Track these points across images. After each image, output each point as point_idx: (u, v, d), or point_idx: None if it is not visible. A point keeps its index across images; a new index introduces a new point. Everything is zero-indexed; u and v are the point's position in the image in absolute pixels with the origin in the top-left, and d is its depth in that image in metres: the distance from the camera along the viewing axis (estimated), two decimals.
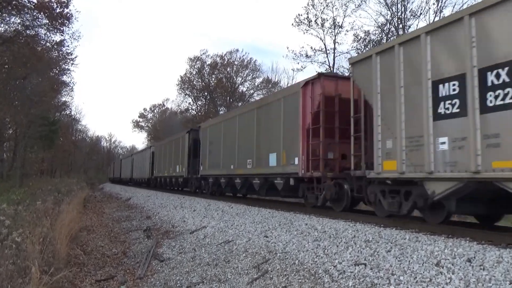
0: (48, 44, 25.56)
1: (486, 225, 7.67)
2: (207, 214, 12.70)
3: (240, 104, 43.66)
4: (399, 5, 26.27)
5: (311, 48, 33.53)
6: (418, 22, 25.97)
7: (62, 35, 24.23)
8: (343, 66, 30.22)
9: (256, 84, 48.46)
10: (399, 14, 26.44)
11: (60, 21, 22.26)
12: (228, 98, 47.70)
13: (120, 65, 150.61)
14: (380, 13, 28.62)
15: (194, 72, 49.59)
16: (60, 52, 27.44)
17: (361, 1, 27.93)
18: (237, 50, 56.31)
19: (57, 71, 31.06)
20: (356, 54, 26.41)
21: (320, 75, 10.44)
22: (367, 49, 26.51)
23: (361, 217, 8.81)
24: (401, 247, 5.92)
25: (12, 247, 5.84)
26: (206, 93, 49.81)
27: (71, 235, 9.28)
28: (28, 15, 21.78)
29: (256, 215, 10.87)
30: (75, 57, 28.94)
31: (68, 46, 26.73)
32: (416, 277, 4.83)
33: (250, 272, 6.59)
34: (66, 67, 30.05)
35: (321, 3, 29.45)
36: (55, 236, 7.57)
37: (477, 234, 6.33)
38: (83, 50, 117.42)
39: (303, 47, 43.48)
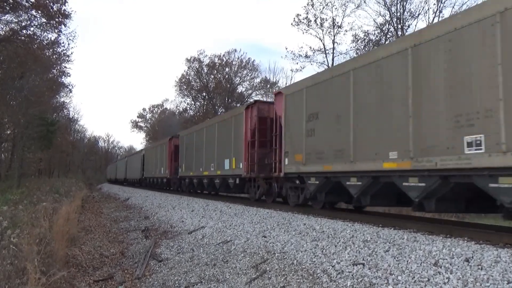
0: (44, 42, 25.21)
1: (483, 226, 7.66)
2: (205, 214, 12.69)
3: (238, 104, 43.60)
4: (398, 6, 26.33)
5: (310, 48, 33.53)
6: (417, 22, 26.04)
7: (59, 34, 23.97)
8: None
9: (254, 84, 48.48)
10: (398, 14, 26.49)
11: (57, 20, 21.98)
12: (226, 98, 47.66)
13: (118, 65, 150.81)
14: (380, 13, 28.68)
15: (192, 73, 49.58)
16: (56, 50, 27.10)
17: (361, 2, 27.98)
18: (235, 50, 56.43)
19: (55, 71, 30.84)
20: (356, 55, 26.43)
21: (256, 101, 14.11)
22: (366, 49, 26.52)
23: (359, 217, 8.83)
24: (399, 247, 5.92)
25: (10, 247, 5.82)
26: (204, 94, 49.75)
27: (69, 235, 9.25)
28: (24, 14, 21.54)
29: (254, 215, 10.87)
30: (71, 53, 28.57)
31: (64, 46, 26.35)
32: (414, 277, 4.83)
33: (248, 272, 6.59)
34: (63, 65, 29.79)
35: (320, 3, 29.48)
36: (53, 237, 7.54)
37: (475, 234, 6.34)
38: (82, 50, 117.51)
39: (302, 47, 43.46)
